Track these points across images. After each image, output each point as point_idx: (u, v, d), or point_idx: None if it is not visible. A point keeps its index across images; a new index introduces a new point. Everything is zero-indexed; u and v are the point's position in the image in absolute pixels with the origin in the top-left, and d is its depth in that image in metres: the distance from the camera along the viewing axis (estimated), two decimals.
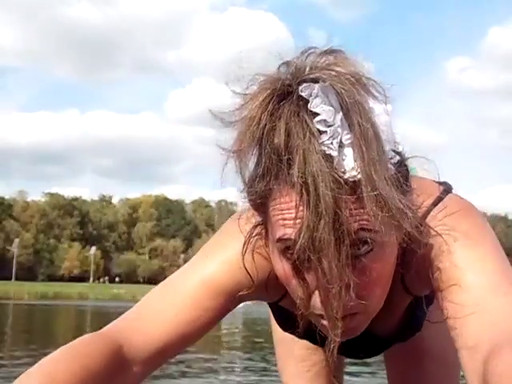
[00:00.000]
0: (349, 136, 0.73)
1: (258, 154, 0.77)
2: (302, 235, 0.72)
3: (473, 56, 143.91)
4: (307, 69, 0.76)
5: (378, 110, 0.78)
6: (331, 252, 0.72)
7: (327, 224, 0.71)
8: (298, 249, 0.73)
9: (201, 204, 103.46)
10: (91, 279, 76.12)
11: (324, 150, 0.72)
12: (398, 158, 0.80)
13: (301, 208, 0.73)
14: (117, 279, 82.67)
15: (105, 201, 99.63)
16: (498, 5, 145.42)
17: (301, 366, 1.41)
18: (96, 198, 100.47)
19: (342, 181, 0.71)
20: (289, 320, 1.00)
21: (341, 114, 0.73)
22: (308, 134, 0.72)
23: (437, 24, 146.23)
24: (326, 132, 0.72)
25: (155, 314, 0.90)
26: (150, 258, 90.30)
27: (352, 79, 0.75)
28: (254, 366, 6.44)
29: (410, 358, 1.24)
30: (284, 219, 0.75)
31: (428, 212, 0.87)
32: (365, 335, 0.87)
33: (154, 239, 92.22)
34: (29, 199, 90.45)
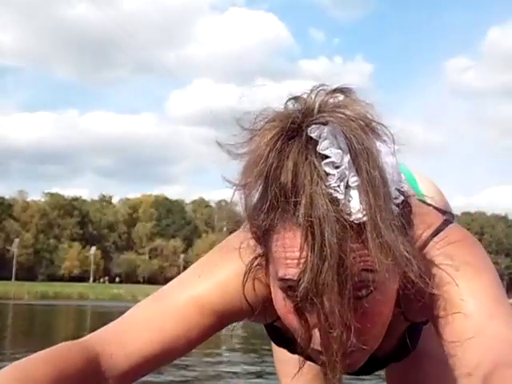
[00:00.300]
0: (355, 178, 0.73)
1: (263, 190, 0.76)
2: (305, 278, 0.72)
3: (473, 56, 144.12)
4: (316, 108, 0.77)
5: (385, 151, 0.78)
6: (334, 296, 0.72)
7: (331, 268, 0.71)
8: (301, 291, 0.73)
9: (201, 204, 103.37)
10: (91, 279, 76.15)
11: (331, 193, 0.72)
12: (402, 197, 0.81)
13: (305, 250, 0.73)
14: (117, 279, 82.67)
15: (105, 201, 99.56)
16: (498, 5, 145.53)
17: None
18: (96, 198, 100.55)
19: (347, 224, 0.72)
20: (284, 338, 1.02)
21: (348, 156, 0.73)
22: (315, 176, 0.72)
23: (437, 24, 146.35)
24: (333, 175, 0.72)
25: (139, 326, 0.89)
26: (150, 258, 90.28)
27: (361, 123, 0.75)
28: (253, 368, 6.44)
29: (410, 358, 1.21)
30: (286, 258, 0.75)
31: (428, 241, 0.88)
32: None
33: (154, 239, 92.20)
34: (29, 199, 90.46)
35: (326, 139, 0.73)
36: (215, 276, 0.92)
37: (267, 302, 0.88)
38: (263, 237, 0.80)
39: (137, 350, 0.87)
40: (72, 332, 12.76)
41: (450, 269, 0.84)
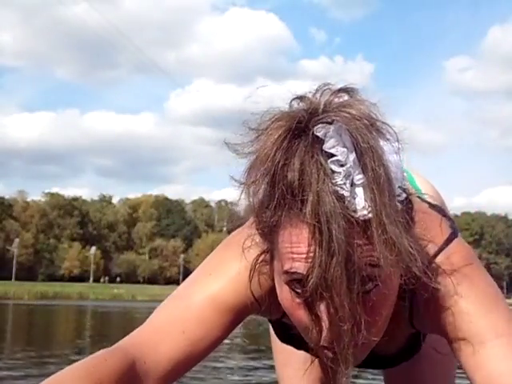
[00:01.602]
0: (361, 176, 0.74)
1: (270, 188, 0.77)
2: (314, 273, 0.74)
3: (473, 56, 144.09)
4: (321, 108, 0.78)
5: (389, 150, 0.80)
6: (343, 290, 0.74)
7: (339, 263, 0.72)
8: (311, 286, 0.75)
9: (201, 204, 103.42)
10: (91, 279, 76.11)
11: (337, 191, 0.73)
12: (404, 195, 0.83)
13: (313, 246, 0.74)
14: (117, 279, 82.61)
15: (105, 201, 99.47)
16: (498, 5, 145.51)
17: (302, 370, 1.38)
18: (96, 198, 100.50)
19: (353, 221, 0.73)
20: (290, 335, 1.03)
21: (354, 154, 0.75)
22: (322, 174, 0.73)
23: (437, 24, 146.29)
24: (339, 173, 0.74)
25: (165, 330, 0.91)
26: (150, 258, 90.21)
27: (366, 122, 0.77)
28: (253, 369, 6.44)
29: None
30: (293, 252, 0.77)
31: (435, 256, 0.90)
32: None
33: (153, 239, 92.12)
34: (29, 199, 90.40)
35: (331, 138, 0.74)
36: (226, 272, 0.94)
37: (273, 296, 0.90)
38: (269, 233, 0.82)
39: (166, 355, 0.89)
40: (72, 332, 12.74)
41: (456, 284, 0.89)
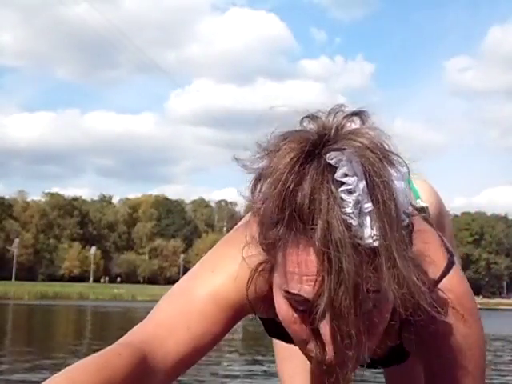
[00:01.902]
0: (369, 205, 0.75)
1: (279, 210, 0.77)
2: (323, 300, 0.74)
3: (473, 56, 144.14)
4: (333, 132, 0.79)
5: (396, 176, 0.80)
6: (351, 319, 0.75)
7: (348, 292, 0.73)
8: (319, 313, 0.76)
9: (201, 204, 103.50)
10: (91, 279, 76.15)
11: (346, 220, 0.73)
12: (407, 220, 0.84)
13: (321, 272, 0.74)
14: (117, 279, 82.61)
15: (105, 201, 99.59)
16: (498, 5, 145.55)
17: (301, 367, 1.40)
18: (96, 198, 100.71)
19: (361, 249, 0.74)
20: (282, 334, 1.04)
21: (364, 182, 0.75)
22: (332, 202, 0.74)
23: (437, 24, 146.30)
24: (349, 201, 0.74)
25: (170, 324, 0.91)
26: (149, 258, 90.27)
27: (378, 153, 0.77)
28: (254, 368, 6.42)
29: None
30: (301, 275, 0.77)
31: (438, 281, 0.93)
32: None
33: (153, 239, 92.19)
34: (29, 199, 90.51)
35: (343, 167, 0.75)
36: (227, 270, 0.94)
37: (268, 303, 0.91)
38: (273, 249, 0.82)
39: (174, 350, 0.89)
40: (72, 332, 12.74)
41: (451, 317, 0.93)
